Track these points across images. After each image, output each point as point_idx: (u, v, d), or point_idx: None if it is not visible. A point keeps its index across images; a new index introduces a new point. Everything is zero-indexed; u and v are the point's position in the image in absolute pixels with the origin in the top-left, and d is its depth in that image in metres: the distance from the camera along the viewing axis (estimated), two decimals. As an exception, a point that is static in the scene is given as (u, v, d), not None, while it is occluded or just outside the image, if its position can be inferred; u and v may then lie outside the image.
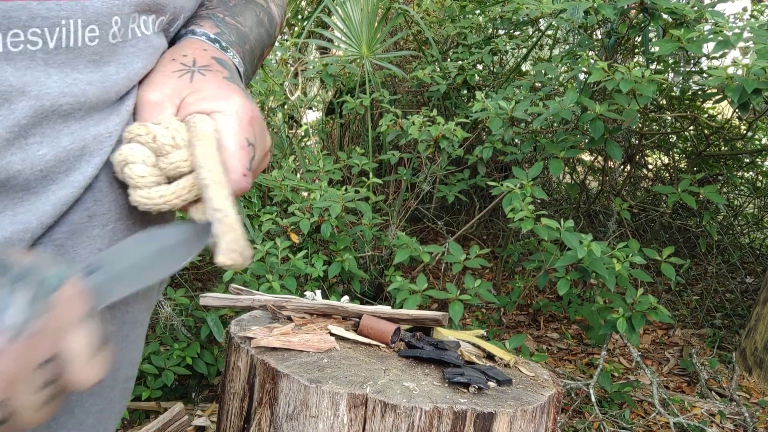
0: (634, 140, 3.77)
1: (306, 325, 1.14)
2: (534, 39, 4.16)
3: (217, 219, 0.54)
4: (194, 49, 0.65)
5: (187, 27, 0.69)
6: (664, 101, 3.79)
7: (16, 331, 0.39)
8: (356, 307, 1.18)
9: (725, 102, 2.91)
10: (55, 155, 0.53)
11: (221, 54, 0.66)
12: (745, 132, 3.77)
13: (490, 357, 1.17)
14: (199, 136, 0.56)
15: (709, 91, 2.88)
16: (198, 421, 2.25)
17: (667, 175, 4.44)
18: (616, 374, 2.99)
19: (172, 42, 0.68)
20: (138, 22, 0.59)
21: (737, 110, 2.30)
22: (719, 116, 4.12)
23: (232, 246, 0.54)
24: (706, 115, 3.86)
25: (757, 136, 4.35)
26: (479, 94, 2.75)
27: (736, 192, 4.56)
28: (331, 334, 1.11)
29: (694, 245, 4.14)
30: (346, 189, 2.62)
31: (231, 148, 0.58)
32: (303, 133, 3.95)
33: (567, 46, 4.01)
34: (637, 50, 3.60)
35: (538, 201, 3.42)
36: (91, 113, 0.56)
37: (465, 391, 0.96)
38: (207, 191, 0.55)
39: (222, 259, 0.54)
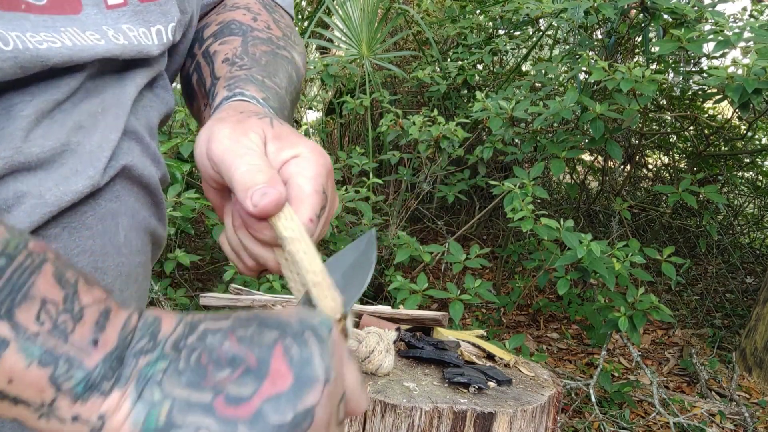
0: (634, 140, 3.77)
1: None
2: (534, 39, 4.16)
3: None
4: (254, 108, 0.62)
5: (231, 89, 0.66)
6: (664, 101, 3.79)
7: (325, 378, 0.43)
8: (356, 307, 1.18)
9: (725, 102, 2.92)
10: None
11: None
12: (745, 132, 3.78)
13: (490, 357, 1.17)
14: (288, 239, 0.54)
15: (710, 91, 2.88)
16: (198, 421, 2.24)
17: (667, 175, 4.44)
18: (616, 374, 2.99)
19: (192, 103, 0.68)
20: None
21: (738, 110, 2.30)
22: (719, 116, 4.12)
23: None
24: (706, 115, 3.86)
25: (757, 136, 4.35)
26: (479, 94, 2.75)
27: (736, 192, 4.56)
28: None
29: (694, 245, 4.14)
30: (346, 189, 2.62)
31: (306, 190, 0.54)
32: (303, 133, 3.96)
33: (567, 46, 4.01)
34: (637, 50, 3.60)
35: (539, 201, 3.42)
36: None
37: (465, 391, 0.96)
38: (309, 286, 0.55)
39: None
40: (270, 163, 0.55)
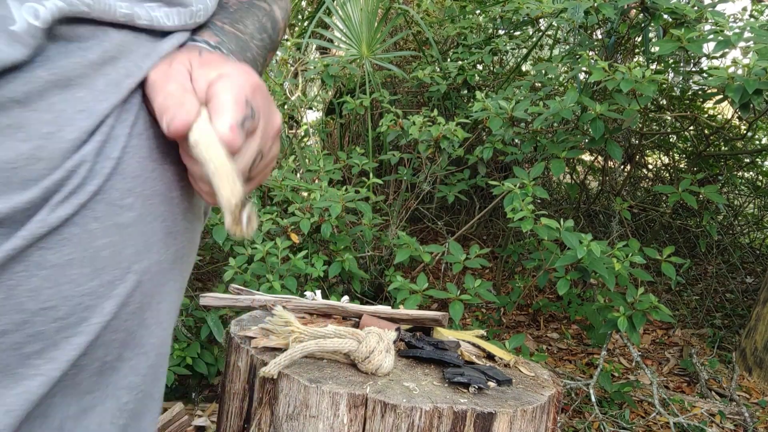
0: (634, 140, 3.77)
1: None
2: (534, 39, 4.16)
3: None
4: (198, 49, 0.65)
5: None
6: (664, 101, 3.79)
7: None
8: (356, 307, 1.18)
9: (725, 102, 2.92)
10: None
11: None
12: (745, 132, 3.78)
13: (490, 357, 1.17)
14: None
15: (710, 91, 2.88)
16: (198, 421, 2.25)
17: (667, 175, 4.44)
18: (616, 374, 2.99)
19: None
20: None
21: (738, 110, 2.30)
22: (719, 116, 4.12)
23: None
24: (706, 115, 3.86)
25: (757, 136, 4.35)
26: (479, 94, 2.75)
27: (736, 192, 4.56)
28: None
29: (694, 245, 4.14)
30: (346, 189, 2.62)
31: (224, 100, 0.57)
32: (303, 133, 3.96)
33: (567, 46, 4.01)
34: (637, 50, 3.60)
35: (539, 201, 3.42)
36: None
37: (465, 391, 0.96)
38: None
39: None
40: (187, 87, 0.58)
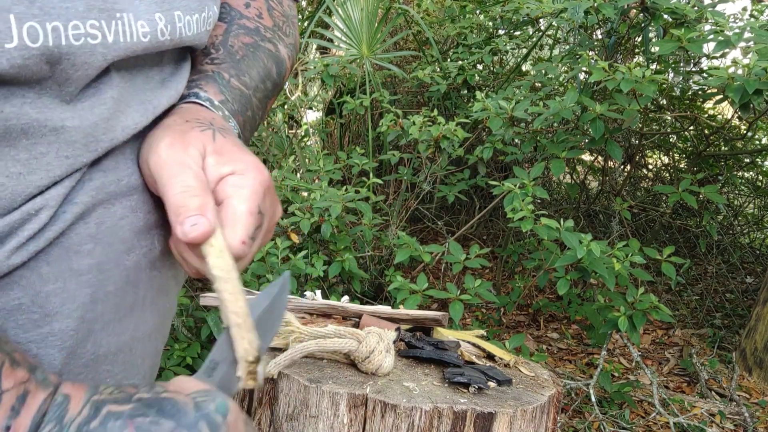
0: (634, 140, 3.77)
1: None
2: (534, 39, 4.16)
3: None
4: (204, 115, 0.62)
5: (191, 87, 0.66)
6: (664, 101, 3.79)
7: None
8: (356, 307, 1.18)
9: (725, 102, 2.92)
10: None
11: (226, 123, 0.65)
12: (745, 132, 3.78)
13: (490, 357, 1.17)
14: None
15: (710, 91, 2.88)
16: (198, 421, 2.24)
17: (667, 175, 4.44)
18: (616, 374, 2.99)
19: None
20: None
21: (738, 110, 2.30)
22: (719, 116, 4.12)
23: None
24: (706, 115, 3.86)
25: (757, 136, 4.35)
26: (479, 94, 2.75)
27: (736, 192, 4.56)
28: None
29: (694, 245, 4.14)
30: (346, 189, 2.62)
31: (239, 211, 0.54)
32: (303, 133, 3.96)
33: (567, 46, 4.01)
34: (637, 50, 3.60)
35: (539, 201, 3.42)
36: None
37: (465, 391, 0.96)
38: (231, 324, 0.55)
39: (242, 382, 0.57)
40: (205, 183, 0.55)
